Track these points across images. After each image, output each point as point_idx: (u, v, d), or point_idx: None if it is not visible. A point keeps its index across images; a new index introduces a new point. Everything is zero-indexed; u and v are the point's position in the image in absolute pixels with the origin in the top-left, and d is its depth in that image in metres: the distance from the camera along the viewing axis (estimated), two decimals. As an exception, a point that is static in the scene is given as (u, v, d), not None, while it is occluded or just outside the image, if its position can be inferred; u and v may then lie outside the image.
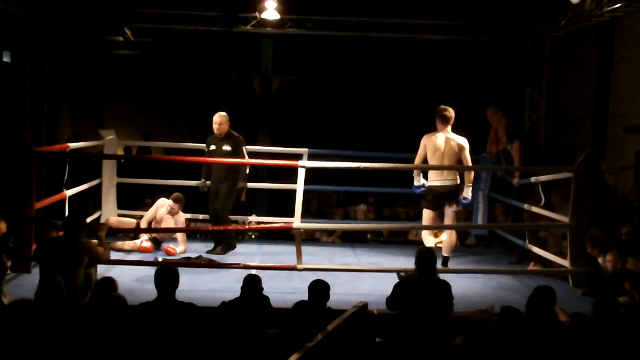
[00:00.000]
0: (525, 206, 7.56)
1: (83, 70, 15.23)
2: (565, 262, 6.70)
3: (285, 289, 6.03)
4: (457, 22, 9.78)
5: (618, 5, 7.58)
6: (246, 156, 7.72)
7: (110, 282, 5.00)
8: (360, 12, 9.82)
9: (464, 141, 6.92)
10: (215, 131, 7.75)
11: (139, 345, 4.38)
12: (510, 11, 9.62)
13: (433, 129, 7.00)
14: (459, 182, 6.89)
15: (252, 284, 5.09)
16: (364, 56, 13.76)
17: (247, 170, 7.82)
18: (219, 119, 7.77)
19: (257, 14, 9.61)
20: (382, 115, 14.96)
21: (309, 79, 13.66)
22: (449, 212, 6.96)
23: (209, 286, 6.41)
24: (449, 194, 6.88)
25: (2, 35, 12.51)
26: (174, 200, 7.85)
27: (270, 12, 9.37)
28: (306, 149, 8.30)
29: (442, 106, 7.04)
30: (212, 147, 7.79)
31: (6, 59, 13.66)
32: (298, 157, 8.14)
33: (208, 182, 7.92)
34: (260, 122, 11.04)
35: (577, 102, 13.53)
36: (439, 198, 6.90)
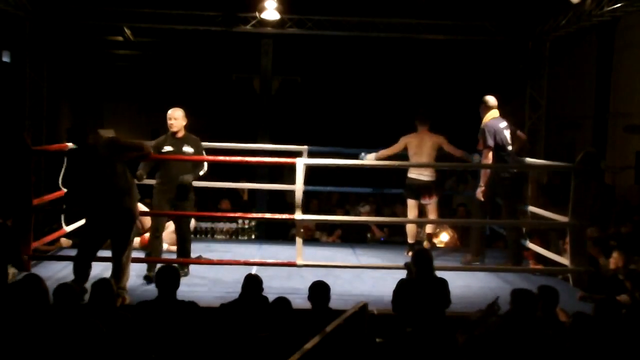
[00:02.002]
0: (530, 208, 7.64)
1: (83, 70, 15.23)
2: (566, 261, 6.70)
3: (285, 289, 6.02)
4: (457, 21, 9.78)
5: (618, 5, 7.59)
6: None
7: (107, 283, 4.98)
8: (360, 12, 9.82)
9: (440, 138, 7.74)
10: (171, 129, 6.62)
11: (139, 345, 4.38)
12: (510, 11, 9.62)
13: (432, 128, 7.78)
14: (435, 177, 7.73)
15: (252, 285, 5.08)
16: (364, 56, 13.76)
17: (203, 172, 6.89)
18: (176, 113, 6.65)
19: (257, 14, 9.61)
20: (382, 115, 14.96)
21: (309, 79, 13.66)
22: (429, 202, 7.78)
23: (209, 286, 6.40)
24: (427, 187, 7.68)
25: (2, 35, 12.51)
26: None
27: (270, 12, 9.37)
28: (306, 147, 8.29)
29: (422, 109, 7.87)
30: (168, 148, 6.62)
31: (6, 59, 13.66)
32: (298, 155, 8.13)
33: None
34: (260, 122, 11.04)
35: (577, 102, 13.54)
36: (419, 190, 7.73)
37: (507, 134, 7.25)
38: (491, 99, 7.30)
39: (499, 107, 7.27)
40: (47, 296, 4.53)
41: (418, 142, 7.68)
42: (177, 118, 6.64)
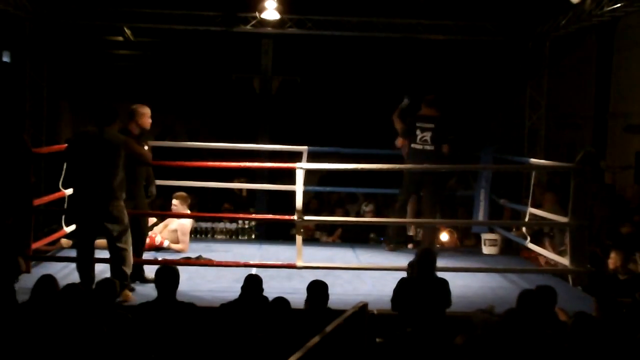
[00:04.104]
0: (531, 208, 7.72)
1: (83, 70, 15.21)
2: (565, 261, 6.69)
3: (285, 289, 6.02)
4: (457, 22, 9.77)
5: (618, 5, 7.58)
6: None
7: (110, 283, 4.99)
8: (360, 12, 9.81)
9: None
10: (149, 126, 6.57)
11: (139, 345, 4.38)
12: (510, 11, 9.61)
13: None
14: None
15: (253, 285, 5.08)
16: (364, 56, 13.75)
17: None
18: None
19: (257, 14, 9.60)
20: (383, 114, 14.92)
21: (309, 79, 13.65)
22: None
23: (209, 286, 6.41)
24: None
25: (2, 35, 12.50)
26: (175, 198, 7.82)
27: (270, 12, 9.35)
28: (306, 147, 8.30)
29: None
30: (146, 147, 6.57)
31: (6, 59, 13.65)
32: (298, 155, 8.14)
33: None
34: (260, 122, 11.03)
35: (577, 102, 13.52)
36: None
37: (422, 133, 7.87)
38: (426, 98, 8.05)
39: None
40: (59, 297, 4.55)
41: None
42: None
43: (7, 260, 5.67)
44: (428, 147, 7.85)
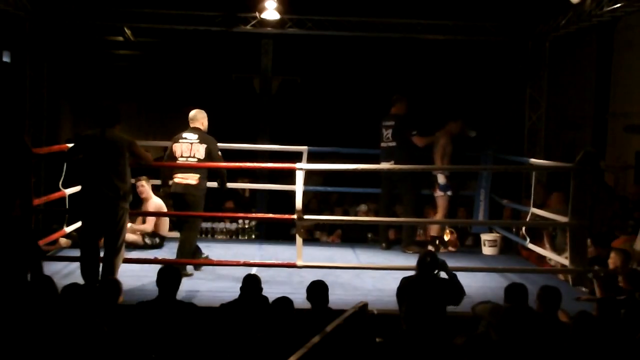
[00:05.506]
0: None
1: (83, 70, 15.22)
2: (565, 261, 6.69)
3: (285, 289, 6.03)
4: (457, 22, 9.78)
5: (618, 5, 7.58)
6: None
7: (113, 284, 4.99)
8: (360, 12, 9.82)
9: (447, 145, 8.32)
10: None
11: (139, 344, 4.38)
12: (510, 11, 9.62)
13: (431, 128, 8.46)
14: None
15: (251, 284, 5.08)
16: (364, 56, 13.76)
17: None
18: None
19: (257, 14, 9.60)
20: (383, 115, 14.93)
21: (309, 79, 13.66)
22: (437, 196, 8.33)
23: (209, 286, 6.41)
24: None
25: (2, 35, 12.51)
26: (140, 180, 7.79)
27: (270, 12, 9.36)
28: (306, 147, 8.31)
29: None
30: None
31: (6, 59, 13.65)
32: (298, 155, 8.14)
33: None
34: (260, 122, 11.04)
35: (577, 102, 13.52)
36: (433, 184, 8.34)
37: (386, 131, 8.32)
38: (391, 98, 8.50)
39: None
40: (57, 298, 4.56)
41: (442, 139, 8.34)
42: None
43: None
44: (391, 144, 8.26)
